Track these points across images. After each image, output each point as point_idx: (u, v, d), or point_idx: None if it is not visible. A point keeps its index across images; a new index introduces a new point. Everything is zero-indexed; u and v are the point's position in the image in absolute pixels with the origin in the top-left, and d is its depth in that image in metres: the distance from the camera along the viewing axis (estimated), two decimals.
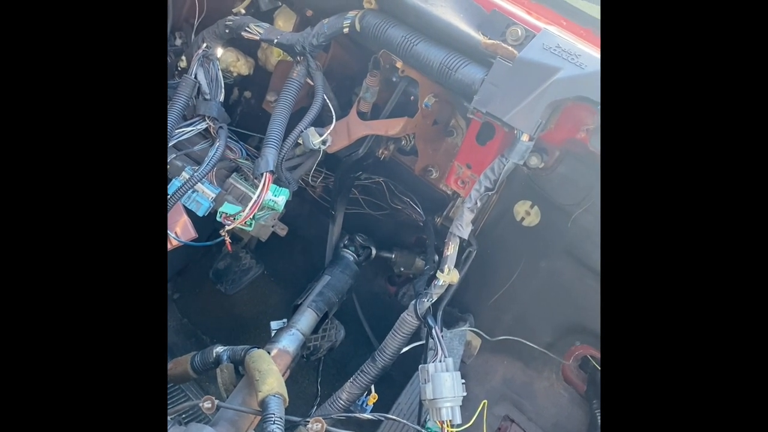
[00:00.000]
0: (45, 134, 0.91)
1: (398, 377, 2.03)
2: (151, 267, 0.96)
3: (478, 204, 1.57)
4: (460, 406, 1.53)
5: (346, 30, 1.65)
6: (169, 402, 2.03)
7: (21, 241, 0.88)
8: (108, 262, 0.93)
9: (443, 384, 1.51)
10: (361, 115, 1.86)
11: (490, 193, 1.55)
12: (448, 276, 1.60)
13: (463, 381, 1.55)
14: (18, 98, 0.90)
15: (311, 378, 2.28)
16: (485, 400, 1.67)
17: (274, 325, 2.00)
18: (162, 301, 0.97)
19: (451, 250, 1.60)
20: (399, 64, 1.68)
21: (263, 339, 2.15)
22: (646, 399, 0.92)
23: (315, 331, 1.95)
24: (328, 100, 1.81)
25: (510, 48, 1.42)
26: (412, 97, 1.85)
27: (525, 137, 1.43)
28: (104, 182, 0.94)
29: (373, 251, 2.23)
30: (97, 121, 0.95)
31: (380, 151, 1.98)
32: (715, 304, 0.90)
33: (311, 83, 1.81)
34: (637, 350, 0.93)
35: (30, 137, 0.90)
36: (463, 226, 1.59)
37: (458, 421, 1.51)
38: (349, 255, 2.17)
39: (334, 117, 1.82)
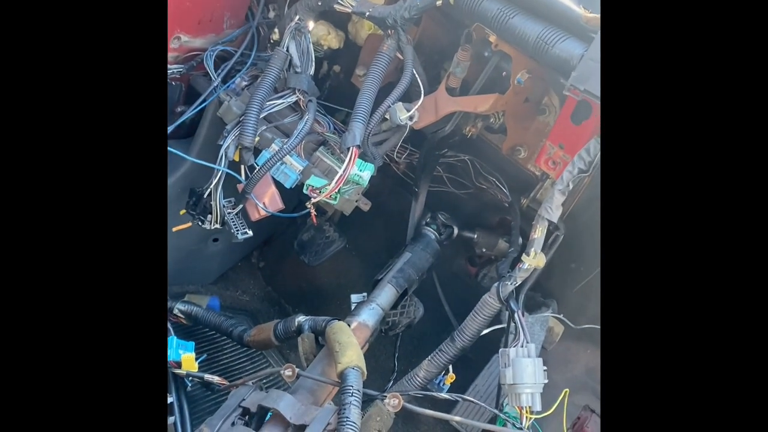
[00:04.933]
0: (46, 136, 0.93)
1: (476, 359, 2.01)
2: (149, 265, 0.97)
3: (570, 186, 1.51)
4: (541, 393, 1.50)
5: (439, 3, 1.61)
6: (251, 368, 2.11)
7: (25, 235, 0.90)
8: (107, 259, 0.94)
9: (524, 370, 1.48)
10: (450, 91, 1.82)
11: (583, 175, 1.49)
12: (534, 260, 1.56)
13: (545, 368, 1.51)
14: (18, 97, 0.92)
15: (388, 352, 2.30)
16: (567, 389, 1.61)
17: (355, 298, 2.02)
18: (162, 303, 0.99)
19: (539, 234, 1.55)
20: (492, 38, 1.62)
21: (343, 311, 2.18)
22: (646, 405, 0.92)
23: (394, 306, 1.95)
24: (417, 75, 1.78)
25: None
26: (504, 73, 1.79)
27: None
28: (103, 181, 0.96)
29: (455, 230, 2.20)
30: (96, 122, 0.97)
31: (467, 129, 1.94)
32: (715, 308, 0.90)
33: (400, 57, 1.79)
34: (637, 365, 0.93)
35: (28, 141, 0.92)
36: (553, 209, 1.53)
37: (538, 408, 1.48)
38: (431, 233, 2.14)
39: (422, 92, 1.80)
